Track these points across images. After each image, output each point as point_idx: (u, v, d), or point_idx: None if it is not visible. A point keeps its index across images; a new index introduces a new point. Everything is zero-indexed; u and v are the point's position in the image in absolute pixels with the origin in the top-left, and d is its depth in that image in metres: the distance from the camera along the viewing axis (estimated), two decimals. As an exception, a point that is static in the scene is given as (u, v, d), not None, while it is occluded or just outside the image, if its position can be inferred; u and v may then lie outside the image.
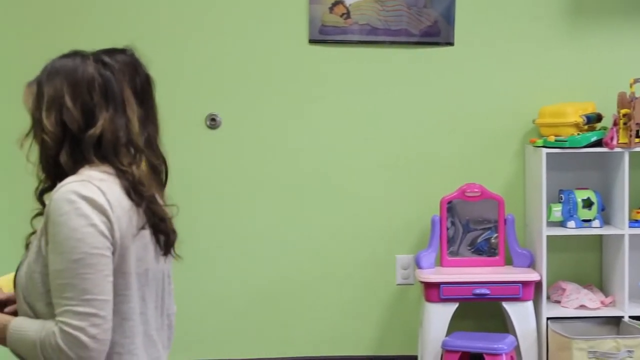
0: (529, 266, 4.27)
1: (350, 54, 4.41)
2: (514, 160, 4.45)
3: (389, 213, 4.45)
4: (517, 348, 4.10)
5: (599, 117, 4.31)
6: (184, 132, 4.37)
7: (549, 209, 4.21)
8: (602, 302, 4.24)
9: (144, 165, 2.09)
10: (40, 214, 2.06)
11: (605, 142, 4.18)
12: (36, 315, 2.02)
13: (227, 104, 4.42)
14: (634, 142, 4.13)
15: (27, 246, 2.09)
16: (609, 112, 4.24)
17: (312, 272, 4.46)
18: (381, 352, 4.50)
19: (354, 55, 4.41)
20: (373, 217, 4.46)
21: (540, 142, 4.24)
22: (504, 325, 4.31)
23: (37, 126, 2.05)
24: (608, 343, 3.93)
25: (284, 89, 4.43)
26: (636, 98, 4.12)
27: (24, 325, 2.01)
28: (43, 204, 2.08)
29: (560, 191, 4.31)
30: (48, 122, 2.02)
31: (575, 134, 4.18)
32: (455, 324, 4.17)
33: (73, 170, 2.03)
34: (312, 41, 4.40)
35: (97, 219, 1.94)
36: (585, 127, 4.22)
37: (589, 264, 4.47)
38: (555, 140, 4.18)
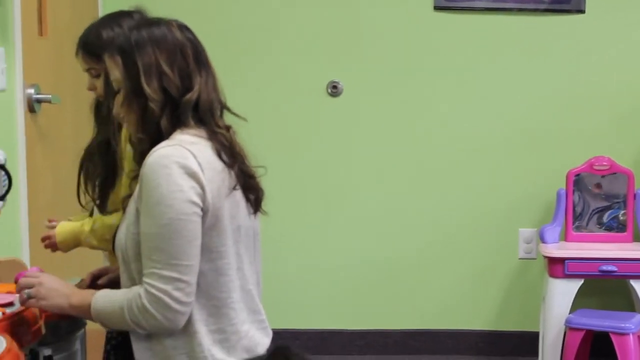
0: (659, 243, 4.13)
1: (476, 21, 4.31)
2: (645, 134, 4.31)
3: (513, 186, 4.37)
4: (645, 328, 3.98)
5: None
6: (305, 99, 4.37)
7: (682, 184, 4.06)
8: None
9: None
10: (137, 176, 2.10)
11: None
12: (132, 275, 2.08)
13: (348, 71, 4.38)
14: None
15: (123, 209, 2.15)
16: None
17: (432, 245, 4.41)
18: (500, 327, 4.42)
19: (480, 23, 4.31)
20: (496, 189, 4.38)
21: (674, 114, 4.09)
22: (630, 304, 4.19)
23: (135, 94, 2.09)
24: None
25: (407, 57, 4.36)
26: None
27: (109, 293, 2.10)
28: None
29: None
30: (150, 90, 2.07)
31: None
32: (579, 301, 4.07)
33: (169, 134, 2.08)
34: (437, 8, 4.32)
35: (186, 184, 2.00)
36: None
37: None
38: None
